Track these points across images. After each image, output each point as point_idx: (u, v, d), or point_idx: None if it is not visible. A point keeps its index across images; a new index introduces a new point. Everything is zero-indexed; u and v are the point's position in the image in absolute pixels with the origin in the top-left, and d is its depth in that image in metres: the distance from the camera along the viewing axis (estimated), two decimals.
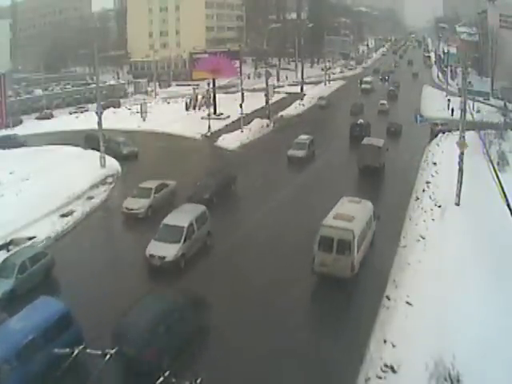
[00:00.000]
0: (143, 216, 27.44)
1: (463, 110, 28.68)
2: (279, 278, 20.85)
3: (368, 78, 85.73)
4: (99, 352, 16.01)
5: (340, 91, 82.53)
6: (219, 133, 48.40)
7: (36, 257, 21.03)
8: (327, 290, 19.76)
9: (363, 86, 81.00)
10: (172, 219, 22.95)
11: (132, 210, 27.65)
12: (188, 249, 22.25)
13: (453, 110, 56.33)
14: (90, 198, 31.22)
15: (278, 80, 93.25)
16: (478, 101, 63.21)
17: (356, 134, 44.03)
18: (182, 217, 23.15)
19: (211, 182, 29.83)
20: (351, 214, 21.09)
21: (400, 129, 48.60)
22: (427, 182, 33.61)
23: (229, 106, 57.13)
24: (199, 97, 63.97)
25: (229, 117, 55.05)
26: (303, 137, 41.34)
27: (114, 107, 69.79)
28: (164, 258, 21.39)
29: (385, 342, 16.79)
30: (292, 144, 40.17)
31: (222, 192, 30.11)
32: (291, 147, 39.82)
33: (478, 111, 54.37)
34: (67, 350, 15.93)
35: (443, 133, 47.33)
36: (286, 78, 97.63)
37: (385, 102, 63.31)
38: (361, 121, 47.48)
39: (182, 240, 21.86)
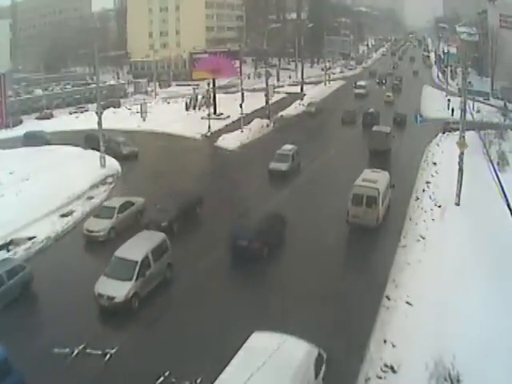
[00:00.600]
0: (104, 239, 24.63)
1: (463, 110, 28.72)
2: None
3: (362, 82, 78.87)
4: (99, 352, 16.08)
5: (339, 91, 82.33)
6: (219, 133, 48.38)
7: (14, 270, 19.63)
8: None
9: (357, 90, 74.82)
10: (124, 251, 19.70)
11: (93, 232, 24.93)
12: (142, 287, 19.04)
13: (453, 110, 56.34)
14: (90, 198, 31.22)
15: (278, 80, 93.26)
16: (478, 101, 63.19)
17: (367, 121, 50.23)
18: (136, 248, 19.88)
19: (171, 206, 25.65)
20: (375, 178, 26.47)
21: (405, 118, 53.14)
22: (427, 182, 33.65)
23: (229, 105, 57.12)
24: (199, 97, 63.98)
25: (229, 117, 55.05)
26: (287, 147, 37.29)
27: (114, 107, 69.73)
28: (113, 298, 18.23)
29: (385, 342, 16.79)
30: (274, 156, 36.11)
31: (184, 217, 25.99)
32: (273, 159, 35.78)
33: (478, 111, 54.40)
34: (67, 349, 16.01)
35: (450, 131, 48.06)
36: (290, 77, 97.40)
37: (390, 93, 70.84)
38: (371, 110, 53.85)
39: (135, 277, 18.66)
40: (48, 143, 44.83)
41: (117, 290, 18.35)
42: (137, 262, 18.98)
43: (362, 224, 24.76)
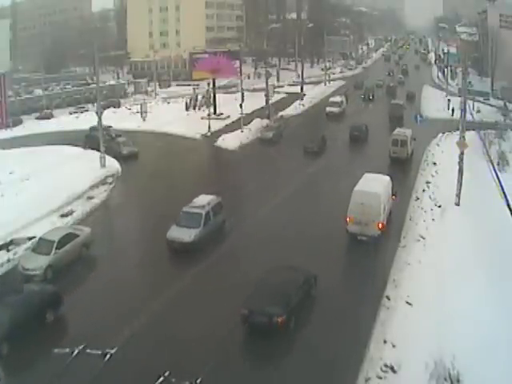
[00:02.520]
0: (41, 279, 20.75)
1: (463, 110, 28.73)
2: None
3: (336, 98, 61.25)
4: (99, 352, 16.03)
5: (337, 91, 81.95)
6: (219, 133, 48.33)
7: None
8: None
9: (329, 108, 58.82)
10: None
11: (28, 270, 21.18)
12: None
13: (453, 110, 56.31)
14: (90, 197, 31.27)
15: (278, 80, 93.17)
16: (478, 101, 63.21)
17: (390, 92, 73.87)
18: None
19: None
20: (404, 130, 40.76)
21: (414, 95, 72.04)
22: (427, 182, 33.67)
23: (229, 105, 57.13)
24: (199, 97, 64.00)
25: (229, 117, 55.04)
26: (201, 200, 25.08)
27: (114, 107, 69.77)
28: None
29: (385, 342, 16.79)
30: (178, 217, 24.22)
31: (21, 333, 16.32)
32: (176, 222, 24.04)
33: (478, 111, 54.39)
34: (67, 349, 15.97)
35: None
36: (298, 76, 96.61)
37: (401, 76, 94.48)
38: (392, 84, 77.83)
39: None
40: (113, 139, 43.25)
41: None
42: None
43: (399, 157, 38.16)
